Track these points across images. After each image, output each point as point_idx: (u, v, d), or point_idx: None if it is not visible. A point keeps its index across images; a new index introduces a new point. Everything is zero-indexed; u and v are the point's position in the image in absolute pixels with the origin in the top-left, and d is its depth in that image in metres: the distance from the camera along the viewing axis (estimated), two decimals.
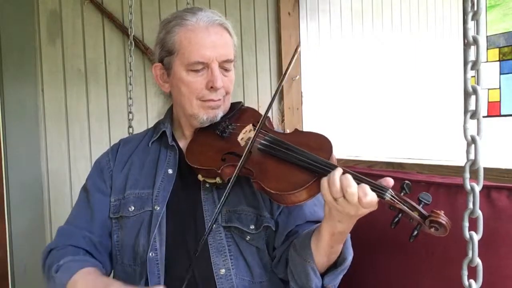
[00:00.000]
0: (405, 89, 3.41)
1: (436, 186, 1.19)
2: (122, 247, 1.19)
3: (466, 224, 0.80)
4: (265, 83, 2.78)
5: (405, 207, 0.88)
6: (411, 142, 3.20)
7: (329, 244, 0.97)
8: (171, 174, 1.18)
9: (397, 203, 0.88)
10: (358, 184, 0.88)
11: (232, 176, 1.01)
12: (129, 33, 2.04)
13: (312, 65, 2.95)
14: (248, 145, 1.04)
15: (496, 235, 1.01)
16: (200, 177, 1.12)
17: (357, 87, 3.23)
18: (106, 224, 1.22)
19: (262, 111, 1.23)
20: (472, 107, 0.78)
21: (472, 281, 0.80)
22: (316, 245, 0.99)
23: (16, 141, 2.27)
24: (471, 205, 0.80)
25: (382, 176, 1.16)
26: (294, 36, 2.78)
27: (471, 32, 0.77)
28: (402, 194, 0.90)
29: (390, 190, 0.89)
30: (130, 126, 2.05)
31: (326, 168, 0.94)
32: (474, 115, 0.78)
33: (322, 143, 1.04)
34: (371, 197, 0.87)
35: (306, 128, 2.78)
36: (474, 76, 0.79)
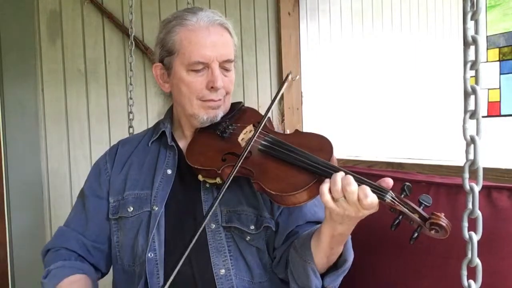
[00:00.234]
0: (405, 89, 3.41)
1: (436, 186, 1.19)
2: (121, 247, 1.19)
3: (466, 224, 0.80)
4: (265, 83, 2.77)
5: (405, 209, 0.88)
6: (411, 142, 3.20)
7: (329, 246, 0.97)
8: (170, 175, 1.18)
9: (397, 205, 0.88)
10: (358, 185, 0.88)
11: (230, 173, 1.01)
12: (130, 33, 2.04)
13: (312, 65, 2.95)
14: (247, 145, 1.04)
15: (497, 235, 1.01)
16: (200, 177, 1.12)
17: (357, 87, 3.23)
18: (102, 227, 1.22)
19: (262, 111, 1.23)
20: (471, 107, 0.78)
21: (471, 281, 0.80)
22: (316, 246, 0.99)
23: (16, 141, 2.27)
24: (470, 205, 0.80)
25: (382, 176, 1.16)
26: (294, 36, 2.78)
27: (470, 32, 0.77)
28: (402, 196, 0.89)
29: (391, 192, 0.89)
30: (130, 126, 2.05)
31: (327, 170, 0.93)
32: (473, 115, 0.78)
33: (322, 144, 1.04)
34: (372, 198, 0.87)
35: (306, 128, 2.78)
36: (474, 76, 0.79)
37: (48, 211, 2.34)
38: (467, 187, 0.80)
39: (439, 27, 3.59)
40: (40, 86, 2.34)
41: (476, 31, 0.77)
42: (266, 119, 1.10)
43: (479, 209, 0.80)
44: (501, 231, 1.02)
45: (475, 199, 0.79)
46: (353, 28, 3.27)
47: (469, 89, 0.77)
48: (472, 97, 0.78)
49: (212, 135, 1.16)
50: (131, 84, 2.04)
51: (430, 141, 3.22)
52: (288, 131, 2.67)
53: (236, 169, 1.01)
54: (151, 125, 1.35)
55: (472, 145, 0.78)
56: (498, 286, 1.00)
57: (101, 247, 1.23)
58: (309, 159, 0.97)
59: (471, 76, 0.78)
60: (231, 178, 1.00)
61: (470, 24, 0.77)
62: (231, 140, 1.14)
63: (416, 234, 0.88)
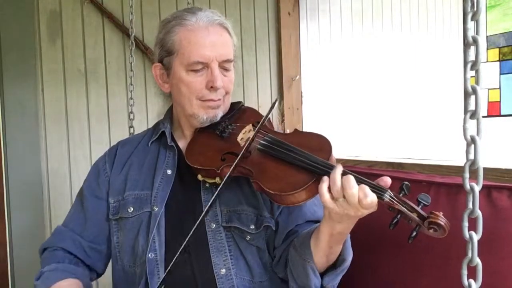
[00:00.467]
0: (405, 89, 3.41)
1: (437, 185, 1.19)
2: (122, 248, 1.19)
3: (466, 224, 0.80)
4: (265, 83, 2.77)
5: (404, 208, 0.88)
6: (411, 142, 3.20)
7: (328, 245, 0.97)
8: (170, 175, 1.18)
9: (396, 204, 0.88)
10: (358, 184, 0.88)
11: (229, 173, 1.01)
12: (130, 33, 2.04)
13: (312, 65, 2.95)
14: (245, 144, 1.04)
15: (497, 235, 1.01)
16: (199, 177, 1.12)
17: (357, 87, 3.23)
18: (100, 227, 1.22)
19: (262, 111, 1.23)
20: (471, 107, 0.78)
21: (471, 280, 0.80)
22: (315, 245, 0.99)
23: (16, 141, 2.27)
24: (470, 205, 0.80)
25: (382, 176, 1.16)
26: (294, 36, 2.78)
27: (470, 32, 0.77)
28: (401, 195, 0.89)
29: (389, 191, 0.89)
30: (131, 126, 2.05)
31: (326, 169, 0.93)
32: (473, 115, 0.78)
33: (321, 144, 1.04)
34: (371, 198, 0.87)
35: (306, 128, 2.78)
36: (474, 76, 0.79)
37: (48, 211, 2.34)
38: (468, 187, 0.80)
39: (439, 27, 3.60)
40: (40, 86, 2.34)
41: (477, 32, 0.77)
42: (265, 120, 1.10)
43: (479, 208, 0.80)
44: (501, 231, 1.02)
45: (476, 199, 0.79)
46: (353, 28, 3.27)
47: (470, 89, 0.78)
48: (473, 97, 0.78)
49: (211, 134, 1.16)
50: (131, 84, 2.04)
51: (430, 141, 3.22)
52: (288, 131, 2.67)
53: (234, 168, 1.01)
54: (151, 125, 1.35)
55: (472, 145, 0.78)
56: (497, 285, 1.00)
57: (98, 248, 1.23)
58: (308, 158, 0.97)
59: (471, 76, 0.78)
60: (227, 177, 1.00)
61: (471, 24, 0.77)
62: (230, 139, 1.14)
63: (414, 233, 0.88)
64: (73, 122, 2.39)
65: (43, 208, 2.33)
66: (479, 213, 0.80)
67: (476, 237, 0.79)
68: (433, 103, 3.48)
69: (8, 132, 2.26)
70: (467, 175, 0.80)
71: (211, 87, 1.12)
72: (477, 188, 0.79)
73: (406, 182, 0.90)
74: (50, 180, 2.36)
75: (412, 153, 1.80)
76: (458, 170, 1.26)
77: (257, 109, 1.26)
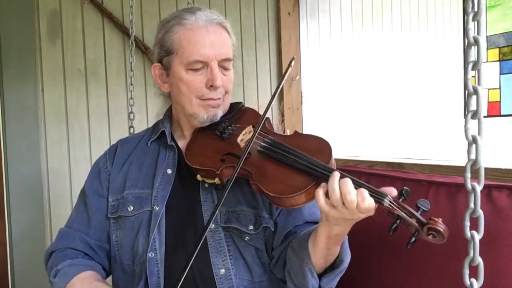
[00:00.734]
0: (405, 89, 3.41)
1: (437, 185, 1.19)
2: (121, 247, 1.19)
3: (467, 223, 0.80)
4: (265, 83, 2.77)
5: (403, 214, 0.88)
6: (411, 142, 3.20)
7: (326, 246, 0.98)
8: (170, 174, 1.18)
9: (395, 209, 0.88)
10: (356, 188, 0.88)
11: (230, 178, 1.01)
12: (130, 33, 2.04)
13: (312, 65, 2.95)
14: (246, 147, 1.04)
15: (497, 234, 1.01)
16: (199, 177, 1.12)
17: (357, 87, 3.23)
18: (103, 225, 1.22)
19: (262, 111, 1.23)
20: (473, 107, 0.78)
21: (473, 280, 0.80)
22: (313, 246, 1.00)
23: (16, 141, 2.27)
24: (472, 205, 0.80)
25: (383, 176, 1.17)
26: (294, 36, 2.78)
27: (472, 33, 0.77)
28: (400, 200, 0.89)
29: (389, 196, 0.89)
30: (131, 126, 2.04)
31: (325, 172, 0.93)
32: (475, 115, 0.78)
33: (321, 146, 1.04)
34: (369, 202, 0.87)
35: (306, 128, 2.78)
36: (475, 76, 0.79)
37: (48, 211, 2.34)
38: (469, 186, 0.80)
39: (439, 27, 3.60)
40: (40, 86, 2.34)
41: (478, 32, 0.77)
42: (264, 120, 1.10)
43: (480, 208, 0.80)
44: (501, 231, 1.02)
45: (477, 199, 0.80)
46: (353, 28, 3.27)
47: (471, 89, 0.78)
48: (474, 97, 0.78)
49: (211, 135, 1.16)
50: (131, 84, 2.04)
51: (430, 141, 3.23)
52: (288, 131, 2.67)
53: (236, 174, 1.00)
54: (151, 125, 1.35)
55: (473, 145, 0.79)
56: (497, 284, 1.00)
57: (104, 246, 1.23)
58: (308, 161, 0.97)
59: (472, 76, 0.78)
60: (232, 182, 0.99)
61: (472, 25, 0.77)
62: (230, 140, 1.14)
63: (413, 239, 0.88)
64: (73, 122, 2.39)
65: (43, 208, 2.33)
66: (480, 212, 0.80)
67: (477, 236, 0.80)
68: (433, 103, 3.48)
69: (8, 132, 2.26)
70: (468, 175, 0.80)
71: (211, 86, 1.12)
72: (478, 188, 0.80)
73: (406, 188, 0.90)
74: (50, 180, 2.35)
75: (412, 153, 1.80)
76: (458, 170, 1.26)
77: (257, 109, 1.26)
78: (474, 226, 0.81)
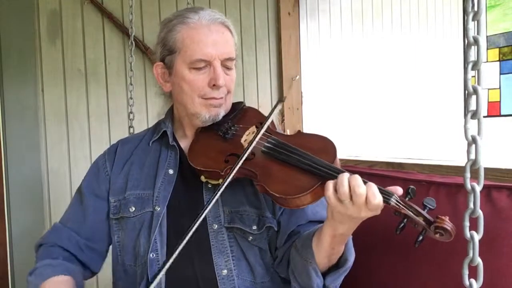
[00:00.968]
0: (405, 89, 3.41)
1: (437, 185, 1.19)
2: (123, 247, 1.19)
3: (467, 223, 0.80)
4: (265, 83, 2.78)
5: (410, 213, 0.87)
6: (411, 142, 3.20)
7: (330, 246, 0.97)
8: (172, 175, 1.17)
9: (402, 208, 0.88)
10: (365, 183, 0.88)
11: (229, 174, 1.00)
12: (130, 33, 2.04)
13: (312, 65, 2.95)
14: (247, 148, 1.04)
15: (497, 234, 1.01)
16: (203, 178, 1.11)
17: (357, 87, 3.23)
18: (99, 226, 1.22)
19: (262, 111, 1.23)
20: (472, 107, 0.78)
21: (473, 280, 0.80)
22: (317, 245, 0.99)
23: (16, 141, 2.27)
24: (471, 205, 0.80)
25: (383, 176, 1.16)
26: (294, 36, 2.78)
27: (471, 33, 0.77)
28: (407, 199, 0.89)
29: (395, 195, 0.88)
30: (131, 126, 2.05)
31: (331, 172, 0.93)
32: (474, 115, 0.78)
33: (326, 146, 1.04)
34: (379, 199, 0.86)
35: (306, 128, 2.78)
36: (475, 76, 0.79)
37: (48, 211, 2.34)
38: (469, 186, 0.80)
39: (439, 27, 3.60)
40: (40, 86, 2.34)
41: (478, 32, 0.77)
42: (269, 122, 1.10)
43: (480, 208, 0.80)
44: (501, 231, 1.02)
45: (477, 199, 0.80)
46: (353, 28, 3.27)
47: (471, 89, 0.78)
48: (474, 97, 0.78)
49: (214, 135, 1.16)
50: (131, 84, 2.04)
51: (430, 141, 3.23)
52: (288, 131, 2.67)
53: (235, 171, 1.00)
54: (151, 125, 1.35)
55: (473, 145, 0.79)
56: (497, 285, 1.00)
57: (94, 246, 1.22)
58: (313, 161, 0.97)
59: (472, 76, 0.78)
60: (225, 183, 0.99)
61: (472, 24, 0.77)
62: (233, 141, 1.14)
63: (421, 237, 0.88)
64: (73, 122, 2.39)
65: (43, 208, 2.33)
66: (480, 212, 0.80)
67: (477, 236, 0.80)
68: (433, 103, 3.48)
69: (8, 132, 2.26)
70: (468, 175, 0.80)
71: (214, 85, 1.12)
72: (478, 188, 0.80)
73: (412, 186, 0.90)
74: (50, 180, 2.36)
75: (412, 153, 1.80)
76: (458, 170, 1.26)
77: (257, 109, 1.26)
78: (474, 226, 0.80)
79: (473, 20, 0.77)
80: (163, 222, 1.13)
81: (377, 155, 1.90)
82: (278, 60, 2.78)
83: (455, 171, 1.30)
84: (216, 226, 1.12)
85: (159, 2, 2.53)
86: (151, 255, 1.11)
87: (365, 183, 0.88)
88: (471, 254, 0.80)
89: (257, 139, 1.06)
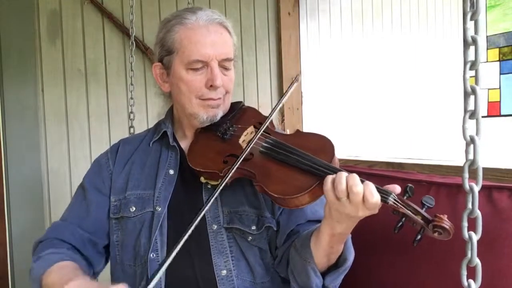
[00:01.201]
0: (405, 89, 3.41)
1: (437, 186, 1.18)
2: (122, 247, 1.19)
3: (465, 224, 0.80)
4: (265, 83, 2.77)
5: (408, 211, 0.87)
6: (411, 142, 3.20)
7: (328, 244, 0.97)
8: (172, 175, 1.17)
9: (400, 207, 0.87)
10: (362, 182, 0.87)
11: (226, 175, 1.00)
12: (130, 33, 2.04)
13: (312, 65, 2.95)
14: (245, 148, 1.04)
15: (497, 235, 1.01)
16: (202, 179, 1.11)
17: (357, 87, 3.23)
18: (101, 222, 1.21)
19: (262, 111, 1.23)
20: (471, 107, 0.78)
21: (471, 281, 0.80)
22: (316, 245, 0.99)
23: (16, 141, 2.28)
24: (470, 205, 0.80)
25: (383, 176, 1.16)
26: (294, 36, 2.78)
27: (470, 32, 0.77)
28: (405, 197, 0.89)
29: (393, 194, 0.88)
30: (131, 126, 2.05)
31: (329, 172, 0.93)
32: (473, 115, 0.78)
33: (324, 145, 1.04)
34: (377, 198, 0.86)
35: (306, 128, 2.78)
36: (473, 76, 0.79)
37: (48, 211, 2.34)
38: (467, 187, 0.80)
39: (439, 27, 3.60)
40: (40, 86, 2.34)
41: (476, 31, 0.77)
42: (267, 123, 1.10)
43: (479, 209, 0.79)
44: (502, 231, 1.02)
45: (475, 199, 0.79)
46: (353, 28, 3.27)
47: (469, 89, 0.77)
48: (472, 97, 0.78)
49: (213, 136, 1.16)
50: (131, 84, 2.04)
51: (430, 141, 3.22)
52: (288, 131, 2.67)
53: (233, 172, 1.00)
54: (151, 125, 1.35)
55: (471, 145, 0.78)
56: (498, 285, 1.00)
57: (97, 241, 1.21)
58: (311, 161, 0.97)
59: (471, 76, 0.78)
60: (222, 183, 0.99)
61: (470, 24, 0.77)
62: (232, 141, 1.13)
63: (419, 236, 0.88)
64: (73, 122, 2.40)
65: (43, 208, 2.33)
66: (478, 213, 0.79)
67: (475, 237, 0.79)
68: (433, 103, 3.48)
69: (8, 132, 2.27)
70: (466, 175, 0.80)
71: (211, 85, 1.12)
72: (476, 188, 0.79)
73: (410, 185, 0.89)
74: (50, 180, 2.36)
75: (412, 153, 1.80)
76: (458, 170, 1.25)
77: (257, 109, 1.25)
78: (473, 226, 0.80)
79: (471, 19, 0.77)
80: (163, 222, 1.13)
81: (377, 155, 1.90)
82: (278, 60, 2.78)
83: (455, 171, 1.30)
84: (216, 226, 1.12)
85: (159, 2, 2.53)
86: (151, 255, 1.11)
87: (362, 182, 0.88)
88: (469, 255, 0.79)
89: (255, 139, 1.05)
